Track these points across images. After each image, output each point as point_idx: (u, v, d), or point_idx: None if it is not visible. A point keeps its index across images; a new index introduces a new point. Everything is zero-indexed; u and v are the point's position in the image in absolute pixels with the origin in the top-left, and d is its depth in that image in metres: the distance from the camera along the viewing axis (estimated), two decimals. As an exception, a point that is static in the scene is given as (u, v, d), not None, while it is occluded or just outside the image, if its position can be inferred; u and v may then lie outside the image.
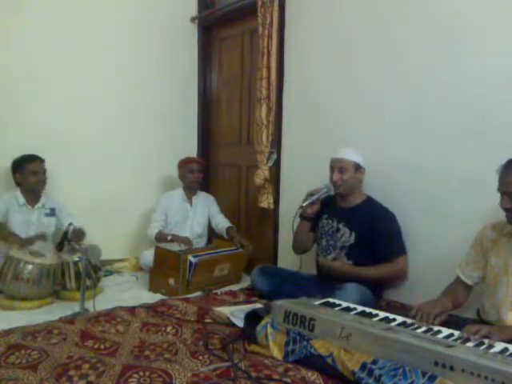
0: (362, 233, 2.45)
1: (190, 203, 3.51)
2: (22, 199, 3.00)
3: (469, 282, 1.98)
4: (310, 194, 2.52)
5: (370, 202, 2.53)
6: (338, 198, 2.58)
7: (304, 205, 2.51)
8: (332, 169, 2.51)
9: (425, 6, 2.42)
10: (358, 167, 2.49)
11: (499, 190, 1.74)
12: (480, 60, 2.21)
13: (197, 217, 3.51)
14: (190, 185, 3.49)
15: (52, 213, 3.11)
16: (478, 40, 2.21)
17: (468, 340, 1.55)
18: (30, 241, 2.86)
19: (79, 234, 2.90)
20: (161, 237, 3.28)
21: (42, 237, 2.95)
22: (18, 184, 3.03)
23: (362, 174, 2.53)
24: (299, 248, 2.72)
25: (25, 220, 3.01)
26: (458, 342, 1.54)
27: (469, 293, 2.02)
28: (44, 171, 3.05)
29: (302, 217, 2.63)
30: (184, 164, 3.49)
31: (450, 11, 2.31)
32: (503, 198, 1.72)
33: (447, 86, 2.33)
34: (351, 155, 2.49)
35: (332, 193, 2.56)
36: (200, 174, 3.51)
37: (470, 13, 2.24)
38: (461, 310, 2.16)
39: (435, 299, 1.95)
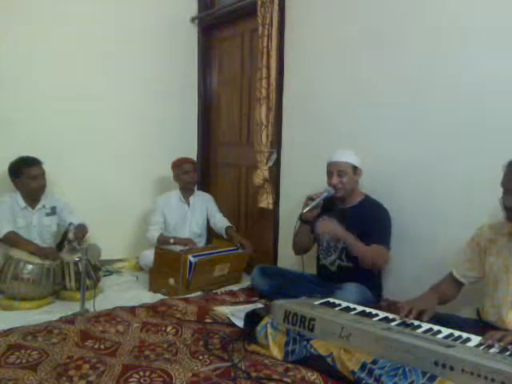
0: (360, 232, 2.43)
1: (188, 204, 3.49)
2: (22, 203, 2.94)
3: (463, 280, 1.98)
4: (310, 199, 2.48)
5: (367, 201, 2.53)
6: (337, 199, 2.58)
7: (305, 211, 2.48)
8: (330, 173, 2.49)
9: (425, 6, 2.42)
10: (355, 169, 2.49)
11: (503, 185, 1.70)
12: (480, 60, 2.20)
13: (195, 217, 3.49)
14: (186, 186, 3.46)
15: (53, 211, 3.06)
16: (478, 39, 2.21)
17: (491, 347, 1.51)
18: (48, 249, 2.81)
19: (82, 230, 2.88)
20: (164, 240, 3.25)
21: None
22: (17, 187, 2.95)
23: (359, 176, 2.53)
24: (300, 249, 2.69)
25: (26, 223, 2.95)
26: (481, 347, 1.51)
27: (459, 290, 2.01)
28: (43, 174, 2.96)
29: (302, 220, 2.61)
30: (177, 165, 3.45)
31: (450, 11, 2.31)
32: (507, 196, 1.68)
33: (447, 86, 2.33)
34: (349, 158, 2.47)
35: (332, 194, 2.54)
36: (195, 174, 3.48)
37: (470, 12, 2.24)
38: (461, 309, 2.16)
39: (422, 295, 1.95)
